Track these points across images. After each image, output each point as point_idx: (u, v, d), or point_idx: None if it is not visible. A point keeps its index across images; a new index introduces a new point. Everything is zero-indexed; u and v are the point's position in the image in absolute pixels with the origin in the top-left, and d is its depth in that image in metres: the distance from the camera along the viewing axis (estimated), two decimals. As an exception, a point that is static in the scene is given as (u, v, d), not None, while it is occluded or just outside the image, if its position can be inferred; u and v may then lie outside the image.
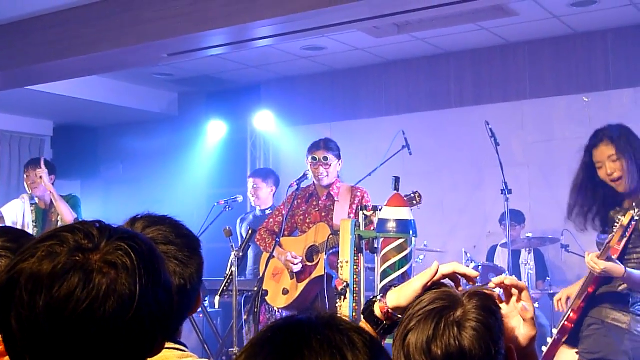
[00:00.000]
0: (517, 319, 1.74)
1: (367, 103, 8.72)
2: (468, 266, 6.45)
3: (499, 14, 6.85)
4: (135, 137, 10.39)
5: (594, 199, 3.90)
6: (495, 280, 1.77)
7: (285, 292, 5.26)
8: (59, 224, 6.15)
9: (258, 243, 5.49)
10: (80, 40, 6.07)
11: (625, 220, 3.54)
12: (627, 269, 3.53)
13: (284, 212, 5.35)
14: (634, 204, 3.63)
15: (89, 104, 9.22)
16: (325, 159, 5.23)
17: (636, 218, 3.51)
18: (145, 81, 9.42)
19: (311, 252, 5.16)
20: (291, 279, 5.25)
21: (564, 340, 3.67)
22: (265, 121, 8.95)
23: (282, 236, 5.33)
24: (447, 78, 8.29)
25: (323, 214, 5.20)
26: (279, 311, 5.50)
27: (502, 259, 7.15)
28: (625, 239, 3.57)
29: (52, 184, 6.25)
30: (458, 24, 7.11)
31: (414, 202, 4.31)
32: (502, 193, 6.22)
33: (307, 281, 5.13)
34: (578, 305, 3.65)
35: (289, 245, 5.30)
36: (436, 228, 7.28)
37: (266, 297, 5.31)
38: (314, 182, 5.32)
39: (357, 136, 8.18)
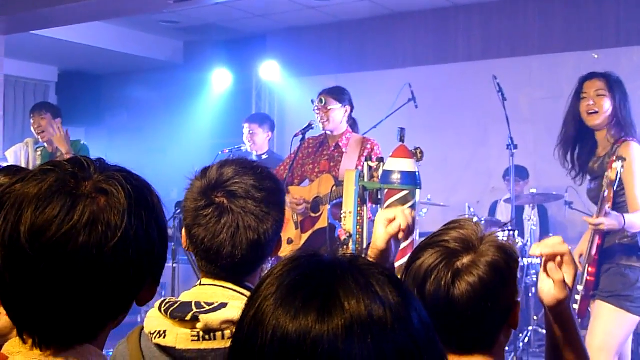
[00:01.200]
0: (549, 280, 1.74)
1: (373, 55, 8.65)
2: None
3: (510, -34, 6.76)
4: (140, 85, 10.35)
5: (574, 134, 4.04)
6: (534, 251, 1.77)
7: (290, 241, 5.26)
8: None
9: None
10: (85, -16, 6.01)
11: (612, 175, 3.58)
12: (625, 217, 3.60)
13: (292, 162, 5.34)
14: (610, 154, 3.72)
15: (94, 50, 9.17)
16: (322, 101, 5.11)
17: (620, 170, 3.54)
18: (150, 28, 9.35)
19: (316, 203, 5.14)
20: (295, 229, 5.25)
21: (591, 294, 3.76)
22: (270, 71, 8.89)
23: (292, 184, 5.32)
24: (455, 31, 8.21)
25: (331, 164, 5.15)
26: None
27: (505, 214, 7.15)
28: (613, 188, 3.63)
29: (59, 127, 6.23)
30: (468, -24, 7.02)
31: (415, 158, 4.28)
32: (507, 148, 6.20)
33: (310, 232, 5.12)
34: (593, 259, 3.70)
35: (296, 194, 5.29)
36: (440, 182, 7.27)
37: None
38: (325, 130, 5.24)
39: (363, 88, 8.11)
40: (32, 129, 6.30)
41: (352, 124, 5.34)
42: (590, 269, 3.73)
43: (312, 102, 5.23)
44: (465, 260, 1.61)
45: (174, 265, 6.01)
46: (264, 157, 6.52)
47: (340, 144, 5.15)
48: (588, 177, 4.02)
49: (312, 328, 0.98)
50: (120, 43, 9.30)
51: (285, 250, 5.30)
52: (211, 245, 1.79)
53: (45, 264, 1.14)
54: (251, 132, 6.54)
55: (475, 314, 1.59)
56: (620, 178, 3.63)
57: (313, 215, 5.14)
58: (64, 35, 8.37)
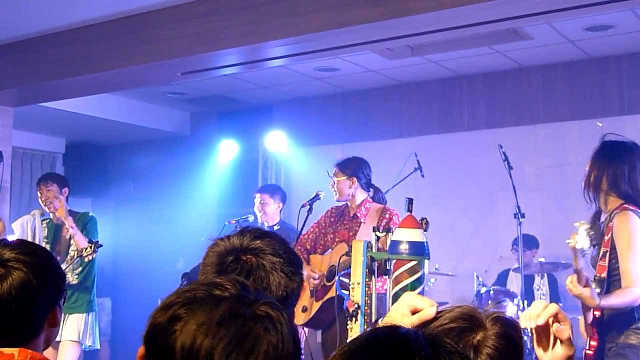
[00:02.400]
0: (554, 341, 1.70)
1: (379, 125, 8.70)
2: (480, 290, 6.41)
3: (514, 37, 6.83)
4: (146, 156, 10.40)
5: None
6: (522, 323, 1.72)
7: (304, 309, 5.25)
8: (71, 240, 6.14)
9: None
10: (93, 57, 6.09)
11: (606, 244, 3.54)
12: (604, 298, 3.45)
13: (317, 231, 5.37)
14: (608, 222, 3.66)
15: (102, 121, 9.24)
16: (329, 173, 5.25)
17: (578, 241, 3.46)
18: (157, 100, 9.45)
19: (331, 272, 5.14)
20: (310, 297, 5.24)
21: None
22: (277, 141, 8.94)
23: (315, 253, 5.34)
24: (460, 101, 8.27)
25: (350, 234, 5.18)
26: (302, 328, 5.55)
27: (515, 283, 7.08)
28: (607, 255, 3.54)
29: (66, 197, 6.27)
30: (472, 46, 7.10)
31: (421, 228, 4.28)
32: (515, 217, 6.18)
33: (322, 301, 5.11)
34: (592, 331, 3.61)
35: (316, 263, 5.30)
36: (447, 251, 7.24)
37: None
38: (336, 200, 5.35)
39: (369, 158, 8.09)
40: (39, 200, 6.32)
41: (375, 192, 5.38)
42: (592, 343, 3.60)
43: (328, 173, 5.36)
44: (479, 335, 1.57)
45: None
46: (275, 227, 6.52)
47: (359, 214, 5.19)
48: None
49: None
50: (128, 114, 9.38)
51: (300, 318, 5.28)
52: None
53: None
54: (262, 202, 6.56)
55: None
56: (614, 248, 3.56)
57: (327, 284, 5.13)
58: (71, 107, 8.45)
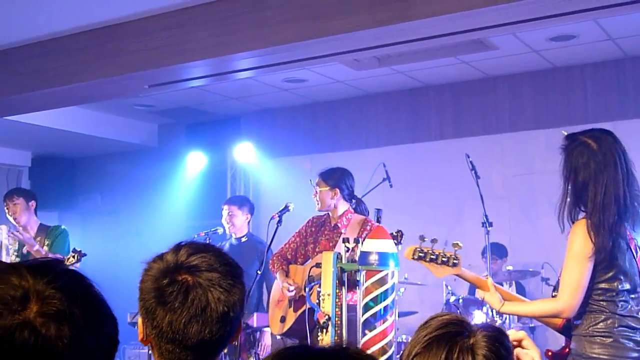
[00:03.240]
0: None
1: (347, 135, 8.73)
2: (449, 299, 6.44)
3: (479, 47, 6.91)
4: (114, 169, 10.33)
5: None
6: None
7: (283, 319, 5.26)
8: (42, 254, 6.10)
9: (270, 268, 5.50)
10: (60, 71, 6.05)
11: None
12: (508, 304, 3.46)
13: (298, 240, 5.38)
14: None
15: (68, 134, 9.17)
16: (312, 183, 5.29)
17: None
18: (125, 112, 9.40)
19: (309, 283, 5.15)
20: (288, 307, 5.25)
21: None
22: (245, 153, 8.93)
23: (296, 263, 5.36)
24: (428, 111, 8.33)
25: (330, 244, 5.20)
26: (280, 338, 5.58)
27: (482, 292, 7.12)
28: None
29: (35, 210, 6.25)
30: (439, 57, 7.16)
31: (395, 240, 4.32)
32: (482, 226, 6.23)
33: (299, 311, 5.12)
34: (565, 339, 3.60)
35: (295, 273, 5.31)
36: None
37: (269, 322, 5.41)
38: (318, 210, 5.38)
39: (337, 168, 8.20)
40: (6, 215, 6.28)
41: (357, 204, 5.41)
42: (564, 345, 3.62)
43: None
44: (472, 339, 1.61)
45: (150, 352, 5.90)
46: (243, 239, 6.50)
47: (339, 225, 5.22)
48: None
49: None
50: (95, 127, 9.31)
51: (278, 328, 5.30)
52: (179, 324, 1.73)
53: None
54: (230, 214, 6.53)
55: None
56: None
57: (305, 294, 5.15)
58: (37, 120, 8.38)
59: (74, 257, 5.76)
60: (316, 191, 5.28)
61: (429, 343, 1.61)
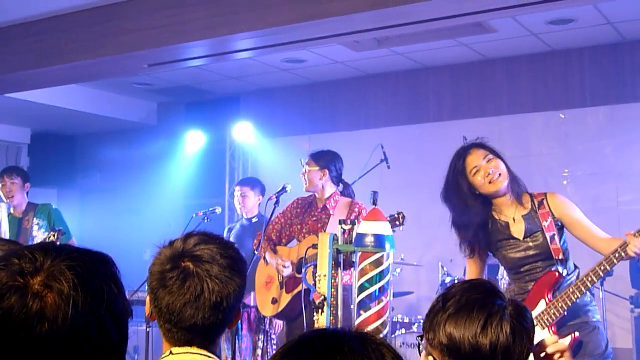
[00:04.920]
0: None
1: (345, 116, 8.76)
2: (444, 280, 6.51)
3: (478, 30, 6.92)
4: (113, 147, 10.36)
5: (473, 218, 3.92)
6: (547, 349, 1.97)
7: (274, 301, 5.29)
8: (33, 232, 6.15)
9: (255, 250, 5.54)
10: (60, 49, 6.06)
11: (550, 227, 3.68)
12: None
13: (282, 220, 5.41)
14: (537, 208, 3.76)
15: (67, 112, 9.19)
16: (302, 162, 5.30)
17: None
18: (124, 90, 9.41)
19: (300, 264, 5.17)
20: (280, 289, 5.28)
21: None
22: (244, 132, 8.96)
23: (280, 244, 5.39)
24: (426, 93, 8.35)
25: (319, 225, 5.23)
26: (268, 319, 5.66)
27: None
28: (556, 237, 3.71)
29: (27, 192, 6.30)
30: (437, 39, 7.17)
31: (397, 222, 4.36)
32: (479, 208, 6.26)
33: (294, 292, 5.16)
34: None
35: (284, 254, 5.33)
36: (413, 241, 7.31)
37: (259, 306, 5.43)
38: (305, 191, 5.39)
39: (335, 149, 8.17)
40: (0, 192, 6.32)
41: (344, 187, 5.45)
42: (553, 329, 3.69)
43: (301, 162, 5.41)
44: (507, 311, 1.78)
45: (148, 329, 5.96)
46: (254, 220, 6.59)
47: (328, 206, 5.25)
48: (504, 242, 3.86)
49: None
50: (94, 105, 9.33)
51: (270, 309, 5.33)
52: (175, 306, 1.86)
53: (4, 353, 1.22)
54: (242, 194, 6.63)
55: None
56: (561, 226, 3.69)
57: (297, 276, 5.17)
58: (37, 98, 8.39)
59: (53, 235, 5.80)
60: (305, 170, 5.30)
61: (466, 305, 1.70)
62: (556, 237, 3.69)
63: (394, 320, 6.19)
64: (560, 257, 3.65)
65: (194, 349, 1.89)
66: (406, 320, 6.20)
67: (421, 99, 8.36)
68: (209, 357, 1.89)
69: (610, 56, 7.42)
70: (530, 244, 3.79)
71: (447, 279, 6.51)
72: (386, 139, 6.92)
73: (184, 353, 1.88)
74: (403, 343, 6.02)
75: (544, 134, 7.63)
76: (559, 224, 3.74)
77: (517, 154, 7.72)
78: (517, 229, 3.83)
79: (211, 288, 1.87)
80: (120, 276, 1.37)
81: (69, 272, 1.26)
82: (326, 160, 5.32)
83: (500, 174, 3.83)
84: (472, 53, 7.77)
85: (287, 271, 5.18)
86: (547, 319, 3.52)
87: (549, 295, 3.55)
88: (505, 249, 3.85)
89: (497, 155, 3.93)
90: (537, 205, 3.81)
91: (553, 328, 3.52)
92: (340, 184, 5.42)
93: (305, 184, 5.31)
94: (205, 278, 1.88)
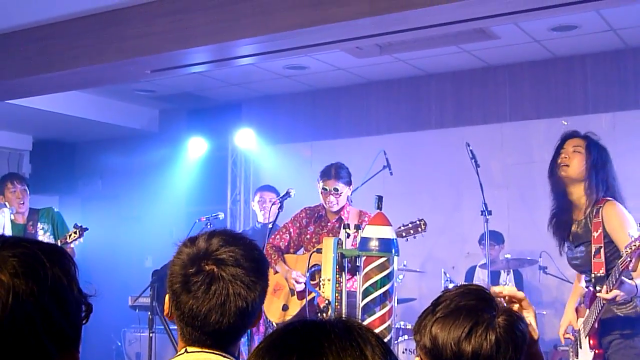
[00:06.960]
0: None
1: (348, 123, 8.75)
2: (447, 286, 6.48)
3: (481, 37, 6.91)
4: (115, 154, 10.35)
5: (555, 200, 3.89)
6: (496, 289, 1.85)
7: (285, 308, 5.29)
8: (39, 237, 6.12)
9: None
10: (62, 55, 6.06)
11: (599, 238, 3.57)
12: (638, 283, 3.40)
13: (291, 230, 5.39)
14: (592, 216, 3.66)
15: (69, 119, 9.18)
16: (336, 190, 5.22)
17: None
18: (126, 97, 9.40)
19: (314, 272, 5.18)
20: (291, 296, 5.27)
21: None
22: (246, 139, 8.95)
23: (287, 253, 5.38)
24: (428, 99, 8.34)
25: (331, 236, 5.22)
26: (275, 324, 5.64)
27: (481, 279, 7.18)
28: (602, 251, 3.58)
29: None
30: (440, 46, 7.17)
31: (419, 229, 4.37)
32: (482, 214, 6.26)
33: (304, 300, 5.15)
34: (595, 329, 3.58)
35: (293, 262, 5.32)
36: (415, 248, 7.29)
37: (265, 312, 5.39)
38: (322, 204, 5.34)
39: (337, 156, 8.14)
40: (7, 194, 6.29)
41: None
42: (592, 342, 3.58)
43: (319, 184, 5.27)
44: (496, 320, 1.70)
45: (151, 334, 5.93)
46: (269, 225, 6.62)
47: (343, 217, 5.23)
48: (567, 243, 3.86)
49: None
50: (96, 112, 9.32)
51: (281, 316, 5.33)
52: (199, 311, 1.82)
53: None
54: (270, 200, 6.65)
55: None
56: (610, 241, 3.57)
57: (311, 283, 5.18)
58: (39, 104, 8.39)
59: (76, 232, 5.76)
60: (340, 194, 5.22)
61: (456, 311, 1.67)
62: (602, 250, 3.57)
63: (396, 326, 6.17)
64: (601, 272, 3.52)
65: (210, 350, 1.86)
66: (409, 326, 6.17)
67: (423, 106, 8.35)
68: (225, 357, 1.87)
69: (613, 63, 7.41)
70: (577, 254, 3.76)
71: (450, 286, 6.47)
72: (388, 146, 6.91)
73: (199, 352, 1.86)
74: (406, 349, 6.00)
75: (547, 141, 7.57)
76: (608, 237, 3.63)
77: (520, 161, 7.72)
78: (574, 233, 3.79)
79: (237, 292, 1.84)
80: (74, 269, 1.35)
81: (11, 260, 1.24)
82: (348, 175, 5.31)
83: (569, 165, 3.78)
84: (474, 60, 7.77)
85: (300, 287, 5.18)
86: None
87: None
88: (566, 248, 3.86)
89: (590, 153, 3.81)
90: (593, 213, 3.71)
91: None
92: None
93: (336, 205, 5.24)
94: (231, 282, 1.84)
